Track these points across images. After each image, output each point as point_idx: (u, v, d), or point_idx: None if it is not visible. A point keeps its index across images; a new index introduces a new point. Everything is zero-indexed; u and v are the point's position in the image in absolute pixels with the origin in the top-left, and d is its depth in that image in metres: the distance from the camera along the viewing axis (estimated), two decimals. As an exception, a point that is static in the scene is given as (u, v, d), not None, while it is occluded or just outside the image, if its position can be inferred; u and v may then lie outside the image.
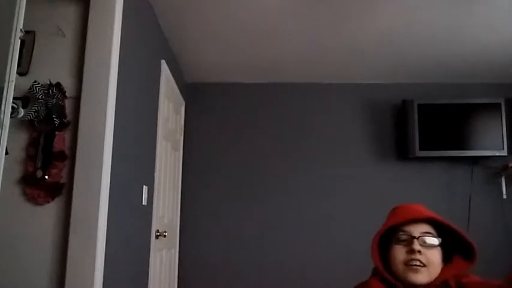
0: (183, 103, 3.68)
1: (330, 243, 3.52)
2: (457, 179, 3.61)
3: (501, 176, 3.56)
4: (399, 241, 1.21)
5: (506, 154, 3.44)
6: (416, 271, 1.16)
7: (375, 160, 3.68)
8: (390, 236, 1.24)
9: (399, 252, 1.20)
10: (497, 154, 3.45)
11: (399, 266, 1.20)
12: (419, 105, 3.52)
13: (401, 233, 1.21)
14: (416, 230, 1.20)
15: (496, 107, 3.50)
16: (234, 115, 3.77)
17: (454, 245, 1.22)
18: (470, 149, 3.47)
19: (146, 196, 2.56)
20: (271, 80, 3.77)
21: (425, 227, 1.20)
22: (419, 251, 1.17)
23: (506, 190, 3.55)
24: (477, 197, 3.54)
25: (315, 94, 3.79)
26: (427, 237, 1.19)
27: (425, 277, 1.17)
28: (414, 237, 1.19)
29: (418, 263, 1.17)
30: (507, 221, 3.54)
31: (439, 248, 1.19)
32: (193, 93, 3.82)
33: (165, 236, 2.87)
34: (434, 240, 1.19)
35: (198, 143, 3.73)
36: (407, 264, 1.18)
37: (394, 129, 3.72)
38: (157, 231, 2.76)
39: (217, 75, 3.70)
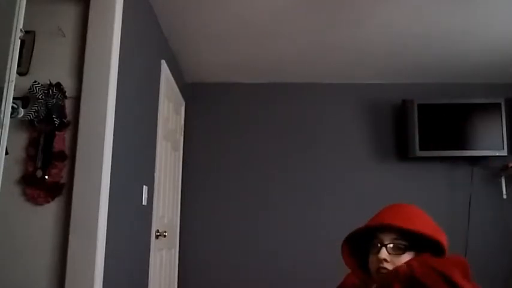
0: (183, 103, 3.68)
1: (330, 243, 3.50)
2: (457, 179, 3.61)
3: (501, 176, 3.56)
4: (373, 249, 1.24)
5: (506, 154, 3.44)
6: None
7: (375, 160, 3.68)
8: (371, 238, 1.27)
9: (372, 261, 1.24)
10: (497, 154, 3.45)
11: (373, 273, 1.23)
12: (419, 105, 3.52)
13: (375, 240, 1.24)
14: (387, 237, 1.22)
15: (496, 107, 3.50)
16: (234, 115, 3.77)
17: (430, 246, 1.21)
18: (470, 149, 3.47)
19: (146, 196, 2.56)
20: (271, 80, 3.77)
21: (396, 234, 1.21)
22: (385, 259, 1.19)
23: (506, 190, 3.55)
24: (477, 197, 3.54)
25: (315, 94, 3.79)
26: (394, 245, 1.20)
27: None
28: (383, 246, 1.21)
29: (385, 271, 1.19)
30: (507, 221, 3.54)
31: (410, 253, 1.20)
32: (193, 93, 3.82)
33: (165, 236, 2.87)
34: (401, 247, 1.20)
35: (198, 143, 3.73)
36: (378, 271, 1.21)
37: (394, 129, 3.72)
38: (157, 231, 2.76)
39: (217, 75, 3.70)
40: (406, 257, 1.19)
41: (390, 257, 1.19)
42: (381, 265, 1.19)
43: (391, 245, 1.20)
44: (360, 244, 1.31)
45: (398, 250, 1.20)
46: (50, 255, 1.83)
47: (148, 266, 2.61)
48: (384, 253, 1.19)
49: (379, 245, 1.22)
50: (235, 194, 3.64)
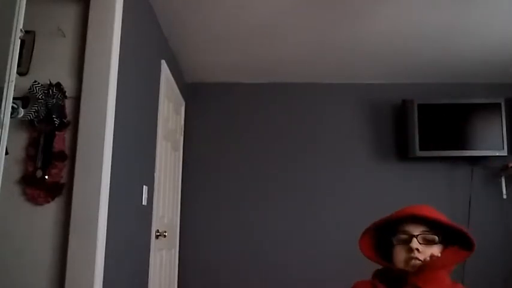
0: (183, 103, 3.68)
1: (330, 243, 3.52)
2: (457, 179, 3.61)
3: (501, 176, 3.56)
4: (400, 241, 1.25)
5: (506, 154, 3.44)
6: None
7: (374, 160, 3.68)
8: (393, 237, 1.28)
9: (400, 252, 1.24)
10: (497, 154, 3.45)
11: (401, 265, 1.23)
12: (419, 105, 3.52)
13: (401, 233, 1.25)
14: (416, 229, 1.23)
15: (496, 107, 3.50)
16: (234, 115, 3.77)
17: (455, 241, 1.25)
18: (470, 149, 3.47)
19: (146, 196, 2.56)
20: (271, 80, 3.77)
21: (424, 227, 1.23)
22: (417, 249, 1.20)
23: (506, 190, 3.55)
24: (477, 197, 3.54)
25: (315, 94, 3.79)
26: (425, 235, 1.22)
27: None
28: (413, 236, 1.22)
29: (416, 261, 1.20)
30: (507, 221, 3.54)
31: (439, 245, 1.23)
32: (193, 93, 3.82)
33: (165, 236, 2.87)
34: (433, 238, 1.22)
35: (198, 143, 3.73)
36: (407, 262, 1.21)
37: (394, 129, 3.72)
38: (157, 231, 2.76)
39: (217, 75, 3.70)
40: (436, 248, 1.22)
41: (421, 247, 1.21)
42: (412, 255, 1.21)
43: (423, 236, 1.23)
44: (377, 238, 1.33)
45: (428, 241, 1.22)
46: (50, 255, 1.82)
47: (148, 266, 2.61)
48: (415, 243, 1.21)
49: (406, 236, 1.23)
50: (235, 194, 3.64)
